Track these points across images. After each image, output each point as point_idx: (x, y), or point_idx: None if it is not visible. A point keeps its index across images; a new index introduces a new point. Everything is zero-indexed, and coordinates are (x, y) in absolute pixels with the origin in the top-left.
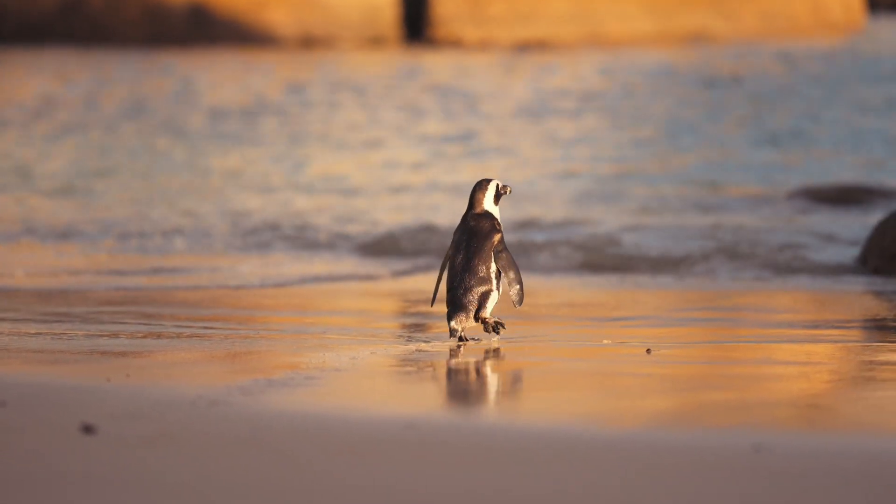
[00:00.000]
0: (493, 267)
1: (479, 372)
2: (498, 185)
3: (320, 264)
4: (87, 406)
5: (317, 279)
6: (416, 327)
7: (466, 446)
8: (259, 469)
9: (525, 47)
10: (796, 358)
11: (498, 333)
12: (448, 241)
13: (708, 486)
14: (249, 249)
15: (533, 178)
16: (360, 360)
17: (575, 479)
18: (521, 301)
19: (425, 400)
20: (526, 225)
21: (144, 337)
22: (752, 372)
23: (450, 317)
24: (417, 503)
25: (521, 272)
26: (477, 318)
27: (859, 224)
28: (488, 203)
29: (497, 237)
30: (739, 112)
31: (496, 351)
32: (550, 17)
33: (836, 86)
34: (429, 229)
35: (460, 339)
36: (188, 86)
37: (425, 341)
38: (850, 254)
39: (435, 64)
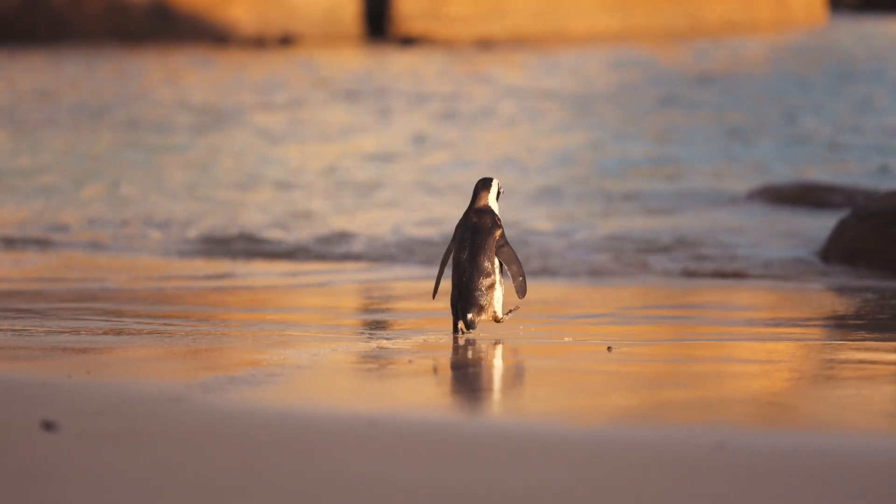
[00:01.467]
0: (497, 261)
1: (441, 370)
2: (499, 184)
3: (281, 266)
4: (48, 403)
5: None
6: (377, 324)
7: (429, 444)
8: (220, 466)
9: (487, 44)
10: (757, 356)
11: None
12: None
13: (670, 484)
14: (194, 254)
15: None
16: (321, 357)
17: (538, 475)
18: (524, 293)
19: (387, 397)
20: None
21: (105, 333)
22: (714, 370)
23: (465, 311)
24: (380, 500)
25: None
26: (493, 317)
27: (820, 222)
28: (491, 200)
29: (499, 232)
30: (699, 109)
31: (458, 349)
32: (513, 14)
33: (797, 83)
34: (381, 227)
35: (462, 331)
36: (142, 84)
37: (387, 338)
38: (810, 252)
39: (394, 63)
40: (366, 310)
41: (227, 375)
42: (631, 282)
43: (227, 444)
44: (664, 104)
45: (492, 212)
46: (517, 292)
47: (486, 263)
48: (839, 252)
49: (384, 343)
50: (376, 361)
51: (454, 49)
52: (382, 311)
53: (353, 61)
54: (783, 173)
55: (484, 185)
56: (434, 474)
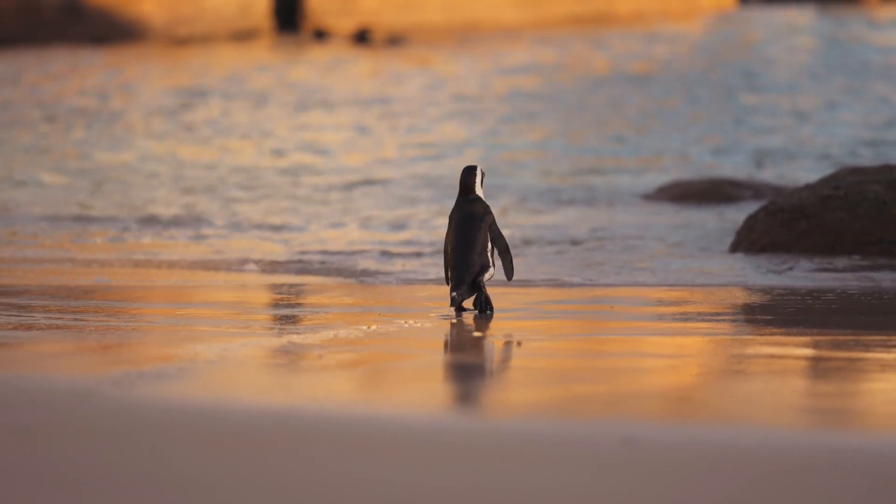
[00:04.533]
0: (489, 245)
1: (350, 365)
2: (482, 170)
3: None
4: None
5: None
6: (287, 319)
7: (337, 438)
8: (130, 461)
9: (398, 39)
10: (666, 351)
11: (491, 312)
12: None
13: (577, 478)
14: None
15: (401, 177)
16: (231, 352)
17: (445, 470)
18: (512, 275)
19: (296, 392)
20: (400, 222)
21: (15, 328)
22: (623, 365)
23: (452, 288)
24: (287, 494)
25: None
26: (474, 283)
27: (729, 218)
28: (478, 187)
29: (490, 218)
30: (605, 107)
31: (368, 345)
32: (424, 8)
33: (702, 77)
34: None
35: (459, 309)
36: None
37: (297, 334)
38: (720, 247)
39: (306, 59)
40: (276, 305)
41: (137, 370)
42: (538, 278)
43: (137, 439)
44: (561, 100)
45: (480, 199)
46: (506, 275)
47: (478, 247)
48: (748, 247)
49: (294, 338)
50: (286, 356)
51: (366, 44)
52: (293, 306)
53: (260, 57)
54: (692, 169)
55: (469, 173)
56: (340, 467)
